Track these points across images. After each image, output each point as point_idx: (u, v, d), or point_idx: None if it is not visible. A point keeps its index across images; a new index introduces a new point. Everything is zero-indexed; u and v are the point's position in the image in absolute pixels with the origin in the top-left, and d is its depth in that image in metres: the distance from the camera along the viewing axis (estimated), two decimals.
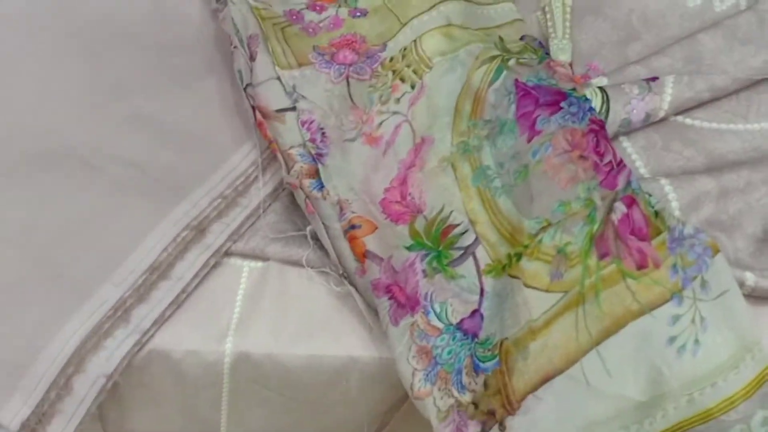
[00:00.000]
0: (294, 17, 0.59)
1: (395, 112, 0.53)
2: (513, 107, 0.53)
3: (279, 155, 0.52)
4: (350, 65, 0.56)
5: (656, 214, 0.48)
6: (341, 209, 0.50)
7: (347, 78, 0.55)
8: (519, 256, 0.48)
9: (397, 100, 0.54)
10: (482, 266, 0.49)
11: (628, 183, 0.49)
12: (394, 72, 0.55)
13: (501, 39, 0.59)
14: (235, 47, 0.55)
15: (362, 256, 0.50)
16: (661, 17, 0.67)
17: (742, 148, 0.59)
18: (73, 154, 0.51)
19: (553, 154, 0.50)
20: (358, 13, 0.60)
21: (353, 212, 0.50)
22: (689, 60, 0.63)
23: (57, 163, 0.50)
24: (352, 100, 0.54)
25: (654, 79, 0.59)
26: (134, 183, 0.50)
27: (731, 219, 0.55)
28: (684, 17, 0.67)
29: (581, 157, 0.50)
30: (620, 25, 0.66)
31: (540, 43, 0.60)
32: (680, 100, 0.59)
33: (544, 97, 0.53)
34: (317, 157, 0.51)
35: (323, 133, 0.52)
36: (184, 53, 0.57)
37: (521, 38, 0.61)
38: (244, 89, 0.54)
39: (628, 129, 0.58)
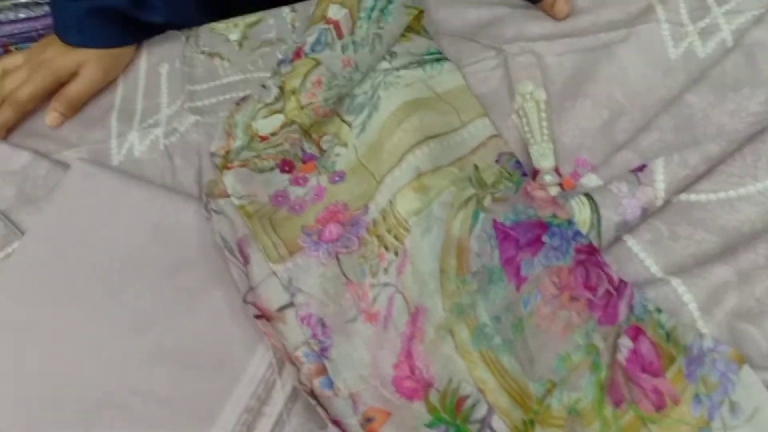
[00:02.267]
0: (280, 200, 0.61)
1: (386, 284, 0.54)
2: (496, 252, 0.52)
3: (288, 361, 0.53)
4: (337, 240, 0.57)
5: (668, 336, 0.46)
6: (354, 402, 0.51)
7: (337, 256, 0.56)
8: (532, 422, 0.47)
9: (386, 271, 0.54)
10: None
11: (631, 309, 0.48)
12: (378, 238, 0.56)
13: (476, 168, 0.59)
14: (227, 259, 0.58)
15: None
16: (644, 80, 0.64)
17: (757, 214, 0.56)
18: (110, 402, 0.54)
19: (542, 303, 0.48)
20: (337, 178, 0.61)
21: (365, 404, 0.51)
22: (679, 128, 0.60)
23: (99, 415, 0.53)
24: (345, 276, 0.55)
25: (642, 168, 0.56)
26: (164, 420, 0.53)
27: (760, 304, 0.51)
28: (668, 73, 0.64)
29: (572, 299, 0.48)
30: (602, 101, 0.64)
31: (517, 162, 0.59)
32: (675, 183, 0.56)
33: (524, 236, 0.52)
34: (322, 353, 0.52)
35: (323, 324, 0.53)
36: (188, 269, 0.59)
37: (498, 159, 0.60)
38: (244, 300, 0.56)
39: (627, 230, 0.56)
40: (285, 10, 0.77)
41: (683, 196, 0.57)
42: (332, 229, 0.57)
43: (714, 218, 0.56)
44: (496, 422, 0.48)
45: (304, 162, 0.63)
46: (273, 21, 0.76)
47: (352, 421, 0.51)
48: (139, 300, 0.59)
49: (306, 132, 0.64)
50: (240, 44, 0.75)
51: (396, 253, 0.54)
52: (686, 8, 0.69)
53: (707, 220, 0.56)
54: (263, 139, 0.64)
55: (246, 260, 0.56)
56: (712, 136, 0.59)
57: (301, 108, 0.63)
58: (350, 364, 0.52)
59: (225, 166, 0.62)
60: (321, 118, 0.64)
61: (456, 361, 0.50)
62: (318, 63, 0.65)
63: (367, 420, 0.50)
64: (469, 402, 0.49)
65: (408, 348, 0.51)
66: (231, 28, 0.76)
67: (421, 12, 0.70)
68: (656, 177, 0.56)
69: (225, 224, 0.58)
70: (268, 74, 0.72)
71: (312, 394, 0.51)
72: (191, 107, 0.70)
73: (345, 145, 0.63)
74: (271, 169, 0.62)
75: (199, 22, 0.76)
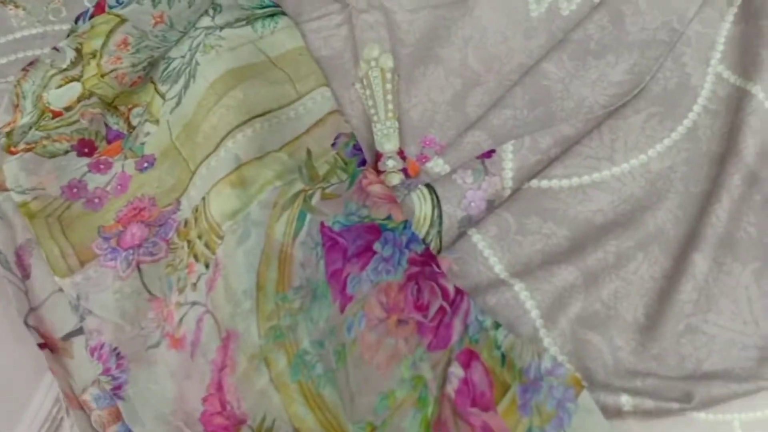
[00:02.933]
0: (74, 192, 0.51)
1: (195, 302, 0.46)
2: (322, 263, 0.45)
3: (75, 406, 0.46)
4: (140, 246, 0.48)
5: (503, 358, 0.41)
6: None
7: (138, 266, 0.48)
8: None
9: (194, 286, 0.47)
10: None
11: (466, 327, 0.42)
12: (189, 243, 0.48)
13: (309, 154, 0.51)
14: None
15: None
16: (502, 43, 0.57)
17: (610, 204, 0.51)
18: None
19: (367, 329, 0.42)
20: (146, 164, 0.52)
21: None
22: (535, 103, 0.54)
23: None
24: (148, 290, 0.47)
25: (490, 154, 0.50)
26: None
27: (606, 308, 0.48)
28: (528, 33, 0.58)
29: (400, 322, 0.42)
30: (455, 68, 0.57)
31: (356, 146, 0.51)
32: (525, 170, 0.51)
33: (353, 243, 0.45)
34: (115, 392, 0.45)
35: (118, 354, 0.46)
36: None
37: (334, 142, 0.52)
38: (25, 323, 0.47)
39: (472, 224, 0.50)
40: None
41: (534, 183, 0.52)
42: (134, 232, 0.49)
43: (565, 208, 0.51)
44: None
45: (108, 141, 0.53)
46: None
47: None
48: None
49: (110, 104, 0.54)
50: None
51: (207, 266, 0.47)
52: None
53: (558, 211, 0.51)
54: (56, 114, 0.53)
55: (26, 274, 0.47)
56: (570, 112, 0.53)
57: (102, 76, 0.53)
58: (150, 401, 0.45)
59: (8, 150, 0.51)
60: (128, 87, 0.54)
61: (271, 396, 0.44)
62: (123, 20, 0.54)
63: None
64: None
65: (218, 379, 0.44)
66: None
67: None
68: (504, 165, 0.50)
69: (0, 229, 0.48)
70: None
71: None
72: None
73: (156, 122, 0.54)
74: (66, 152, 0.52)
75: None
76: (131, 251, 0.48)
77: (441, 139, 0.55)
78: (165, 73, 0.55)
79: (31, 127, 0.53)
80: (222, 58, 0.54)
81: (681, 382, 0.43)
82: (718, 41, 0.55)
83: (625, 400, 0.43)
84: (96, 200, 0.51)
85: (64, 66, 0.55)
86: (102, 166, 0.53)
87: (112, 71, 0.53)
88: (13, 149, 0.52)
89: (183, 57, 0.55)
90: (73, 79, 0.54)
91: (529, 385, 0.41)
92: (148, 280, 0.47)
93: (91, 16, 0.56)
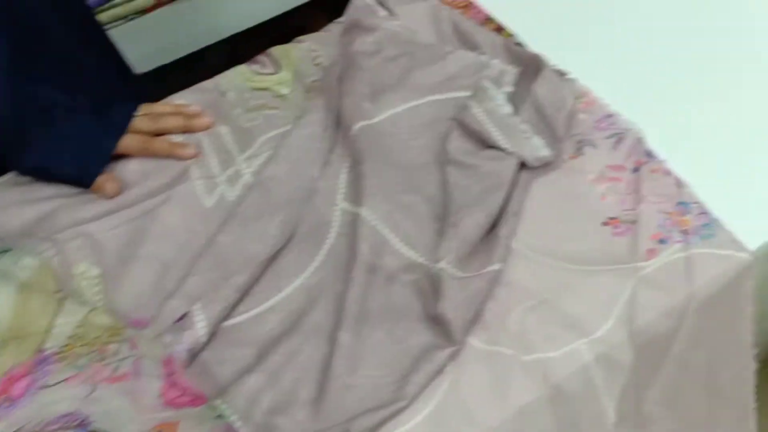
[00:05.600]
0: None
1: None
2: None
3: None
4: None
5: None
6: None
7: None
8: None
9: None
10: None
11: None
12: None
13: None
14: None
15: None
16: (185, 232, 0.74)
17: (280, 321, 0.66)
18: None
19: None
20: None
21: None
22: (215, 266, 0.70)
23: None
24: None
25: (181, 318, 0.65)
26: None
27: (289, 395, 0.61)
28: (205, 221, 0.75)
29: None
30: (153, 260, 0.72)
31: None
32: (216, 319, 0.65)
33: None
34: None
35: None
36: None
37: None
38: None
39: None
40: None
41: (224, 324, 0.66)
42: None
43: (249, 333, 0.66)
44: None
45: None
46: None
47: None
48: None
49: None
50: None
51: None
52: (217, 161, 0.81)
53: (244, 338, 0.65)
54: None
55: None
56: (242, 265, 0.70)
57: None
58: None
59: None
60: None
61: None
62: None
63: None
64: None
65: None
66: None
67: None
68: (196, 320, 0.64)
69: None
70: None
71: None
72: None
73: None
74: None
75: None
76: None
77: (148, 315, 0.69)
78: None
79: None
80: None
81: (342, 425, 0.57)
82: (340, 187, 0.76)
83: None
84: None
85: None
86: None
87: None
88: None
89: None
90: None
91: None
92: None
93: None
